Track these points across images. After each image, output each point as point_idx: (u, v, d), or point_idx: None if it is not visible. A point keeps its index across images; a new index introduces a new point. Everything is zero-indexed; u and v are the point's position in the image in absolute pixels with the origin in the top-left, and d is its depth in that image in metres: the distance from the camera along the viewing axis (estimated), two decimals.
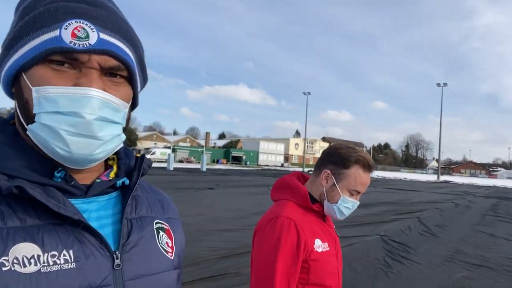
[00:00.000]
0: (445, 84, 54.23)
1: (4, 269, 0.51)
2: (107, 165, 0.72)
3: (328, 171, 1.42)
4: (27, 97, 0.58)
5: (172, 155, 37.49)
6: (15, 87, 0.62)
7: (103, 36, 0.58)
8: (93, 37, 0.57)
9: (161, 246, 0.71)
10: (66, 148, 0.57)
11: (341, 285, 1.48)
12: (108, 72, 0.60)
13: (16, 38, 0.59)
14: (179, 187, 15.73)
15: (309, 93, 64.18)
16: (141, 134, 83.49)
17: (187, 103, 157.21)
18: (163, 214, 0.77)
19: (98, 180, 0.67)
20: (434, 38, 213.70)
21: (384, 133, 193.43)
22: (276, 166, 76.73)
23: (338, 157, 1.41)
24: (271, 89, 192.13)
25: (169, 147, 64.04)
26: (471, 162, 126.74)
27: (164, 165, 37.20)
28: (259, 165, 74.00)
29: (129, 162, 0.73)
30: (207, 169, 38.93)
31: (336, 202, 1.40)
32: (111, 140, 0.61)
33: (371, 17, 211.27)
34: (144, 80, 0.71)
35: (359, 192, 1.42)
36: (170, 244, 0.73)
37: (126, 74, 0.63)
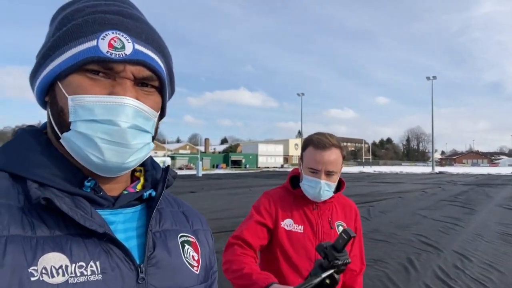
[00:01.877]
0: (434, 77, 55.34)
1: (32, 279, 0.51)
2: (133, 177, 0.74)
3: (299, 156, 1.65)
4: (62, 105, 0.60)
5: (168, 163, 38.70)
6: (49, 96, 0.63)
7: (137, 47, 0.60)
8: (129, 48, 0.59)
9: (186, 260, 0.71)
10: (101, 156, 0.58)
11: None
12: (140, 82, 0.62)
13: (53, 47, 0.61)
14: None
15: (303, 94, 65.61)
16: None
17: (189, 110, 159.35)
18: (188, 227, 0.78)
19: (126, 192, 0.67)
20: (434, 30, 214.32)
21: (387, 128, 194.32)
22: (276, 167, 77.86)
23: (303, 144, 1.64)
24: (272, 91, 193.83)
25: (168, 156, 65.46)
26: (474, 151, 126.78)
27: None
28: (259, 167, 75.15)
29: (156, 174, 0.74)
30: (203, 174, 40.16)
31: (302, 182, 1.57)
32: (142, 148, 0.63)
33: (369, 12, 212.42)
34: (172, 90, 0.74)
35: (316, 170, 1.51)
36: (196, 258, 0.74)
37: (157, 84, 0.65)
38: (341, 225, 1.63)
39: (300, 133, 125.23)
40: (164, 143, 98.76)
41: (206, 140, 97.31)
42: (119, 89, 0.59)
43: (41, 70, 0.63)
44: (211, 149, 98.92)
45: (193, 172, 47.52)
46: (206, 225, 0.83)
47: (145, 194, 0.69)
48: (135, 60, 0.60)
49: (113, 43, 0.59)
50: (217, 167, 69.69)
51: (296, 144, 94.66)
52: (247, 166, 74.13)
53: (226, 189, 19.11)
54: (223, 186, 21.46)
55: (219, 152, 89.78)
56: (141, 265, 0.62)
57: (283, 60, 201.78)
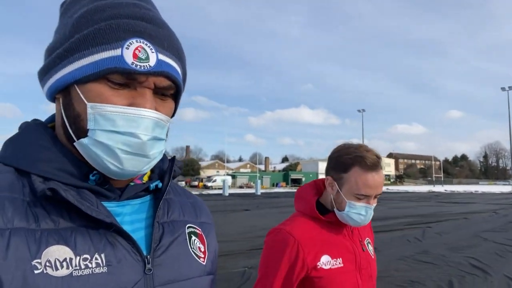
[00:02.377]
0: (510, 88, 50.78)
1: (36, 272, 0.51)
2: None
3: (330, 178, 1.33)
4: (79, 111, 0.59)
5: (227, 181, 39.81)
6: (62, 95, 0.63)
7: (161, 57, 0.60)
8: (153, 59, 0.59)
9: (193, 251, 0.70)
10: (120, 166, 0.59)
11: None
12: (159, 91, 0.63)
13: (71, 50, 0.60)
14: (219, 209, 17.61)
15: (363, 110, 63.81)
16: (203, 163, 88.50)
17: (251, 130, 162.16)
18: (196, 218, 0.78)
19: (132, 184, 0.67)
20: (509, 37, 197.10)
21: (461, 144, 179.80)
22: None
23: (336, 161, 1.33)
24: (334, 108, 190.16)
25: (229, 174, 67.24)
26: None
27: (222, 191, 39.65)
28: None
29: (162, 165, 0.74)
30: (262, 193, 40.64)
31: (344, 210, 1.30)
32: (157, 157, 0.64)
33: (437, 23, 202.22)
34: (184, 90, 0.74)
35: (367, 196, 1.28)
36: (202, 249, 0.73)
37: (174, 91, 0.65)
38: (369, 243, 1.47)
39: None
40: (227, 162, 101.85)
41: (266, 159, 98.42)
42: (140, 100, 0.59)
43: (56, 70, 0.62)
44: (271, 168, 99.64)
45: (252, 190, 48.29)
46: (211, 219, 0.84)
47: (151, 185, 0.70)
48: (159, 71, 0.60)
49: (137, 53, 0.58)
50: (277, 185, 69.88)
51: None
52: None
53: (280, 208, 19.24)
54: (278, 205, 21.61)
55: (279, 171, 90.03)
56: (148, 256, 0.62)
57: (344, 77, 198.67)
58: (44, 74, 0.65)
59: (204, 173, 75.73)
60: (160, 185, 0.71)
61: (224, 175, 63.48)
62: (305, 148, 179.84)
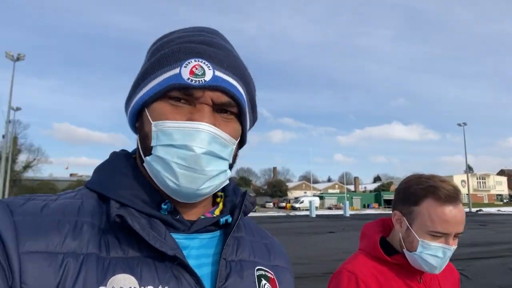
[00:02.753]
0: None
1: None
2: (215, 202, 0.74)
3: (398, 213, 1.18)
4: (147, 130, 0.63)
5: (314, 202, 39.25)
6: (138, 122, 0.68)
7: (218, 73, 0.62)
8: (209, 75, 0.61)
9: None
10: (176, 181, 0.60)
11: None
12: (219, 109, 0.64)
13: (142, 77, 0.66)
14: (304, 231, 17.43)
15: (464, 123, 57.84)
16: (291, 184, 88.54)
17: (339, 149, 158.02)
18: (269, 260, 0.74)
19: (203, 217, 0.68)
20: None
21: None
22: None
23: (405, 192, 1.18)
24: (431, 122, 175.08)
25: (317, 195, 66.19)
26: None
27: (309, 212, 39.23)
28: None
29: (234, 199, 0.74)
30: (351, 214, 39.08)
31: (416, 250, 1.12)
32: (217, 176, 0.63)
33: None
34: (254, 118, 0.75)
35: (445, 234, 1.09)
36: None
37: (236, 110, 0.65)
38: None
39: (470, 168, 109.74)
40: (315, 182, 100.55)
41: (356, 178, 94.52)
42: (197, 115, 0.61)
43: (132, 98, 0.68)
44: (361, 188, 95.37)
45: (341, 212, 46.74)
46: (288, 263, 0.80)
47: (221, 219, 0.69)
48: (214, 86, 0.61)
49: (194, 70, 0.61)
50: (368, 206, 66.53)
51: (463, 181, 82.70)
52: None
53: None
54: None
55: (370, 191, 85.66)
56: None
57: (442, 88, 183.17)
58: (126, 105, 0.71)
59: (291, 194, 75.79)
60: (229, 220, 0.70)
61: (311, 195, 62.78)
62: (400, 166, 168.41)
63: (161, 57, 0.65)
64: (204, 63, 0.62)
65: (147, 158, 0.62)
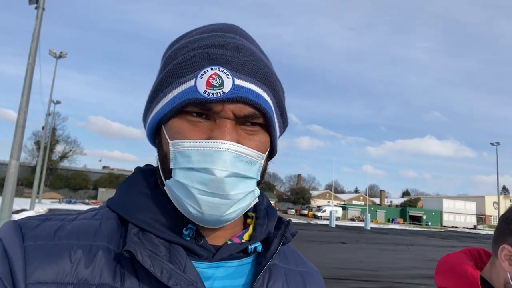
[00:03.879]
0: None
1: None
2: (245, 223, 0.67)
3: (508, 247, 0.94)
4: (166, 150, 0.58)
5: (334, 213, 39.07)
6: (157, 139, 0.62)
7: (238, 82, 0.55)
8: (228, 85, 0.54)
9: None
10: (198, 208, 0.54)
11: None
12: (243, 121, 0.57)
13: (157, 90, 0.60)
14: (315, 240, 17.67)
15: (498, 143, 55.60)
16: (315, 192, 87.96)
17: (369, 160, 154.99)
18: None
19: (229, 242, 0.61)
20: None
21: None
22: (466, 227, 66.68)
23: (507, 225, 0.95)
24: (468, 139, 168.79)
25: (340, 205, 65.52)
26: None
27: (335, 222, 39.08)
28: (444, 226, 66.03)
29: (268, 225, 0.65)
30: (372, 227, 38.63)
31: None
32: (243, 198, 0.57)
33: None
34: (284, 125, 0.67)
35: None
36: None
37: (263, 121, 0.58)
38: None
39: (505, 190, 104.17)
40: (340, 193, 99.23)
41: (382, 192, 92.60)
42: (218, 132, 0.54)
43: (149, 114, 0.63)
44: (387, 202, 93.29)
45: (363, 224, 46.19)
46: None
47: (250, 247, 0.61)
48: (234, 97, 0.54)
49: (211, 81, 0.54)
50: (393, 221, 65.08)
51: (495, 202, 79.15)
52: (429, 223, 66.22)
53: (380, 244, 18.28)
54: (381, 241, 20.48)
55: (396, 206, 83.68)
56: None
57: (481, 104, 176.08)
58: (144, 120, 0.66)
59: (314, 203, 75.35)
60: (259, 248, 0.63)
61: (334, 205, 62.26)
62: (431, 182, 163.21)
63: (175, 67, 0.58)
64: (222, 71, 0.55)
65: (167, 182, 0.57)
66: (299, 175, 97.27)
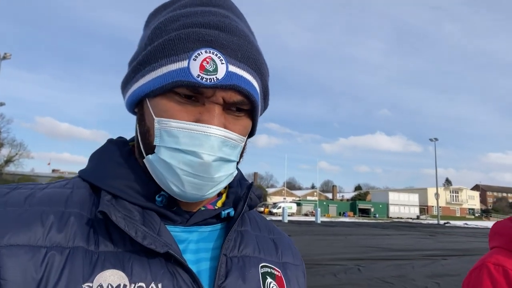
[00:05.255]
0: None
1: None
2: (219, 193, 0.68)
3: None
4: (149, 125, 0.58)
5: (287, 209, 40.92)
6: (138, 109, 0.62)
7: (231, 68, 0.55)
8: (221, 71, 0.54)
9: None
10: (181, 187, 0.55)
11: None
12: (231, 107, 0.58)
13: (144, 62, 0.59)
14: None
15: (436, 139, 60.57)
16: (271, 190, 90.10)
17: (323, 157, 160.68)
18: (276, 257, 0.69)
19: (203, 208, 0.63)
20: None
21: None
22: (410, 218, 71.79)
23: None
24: (414, 135, 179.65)
25: (295, 202, 67.98)
26: None
27: (288, 218, 40.76)
28: (390, 217, 70.53)
29: (239, 191, 0.68)
30: (322, 221, 40.87)
31: None
32: (224, 180, 0.59)
33: None
34: (265, 106, 0.68)
35: None
36: None
37: (249, 107, 0.59)
38: None
39: (448, 182, 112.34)
40: (297, 189, 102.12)
41: (334, 187, 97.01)
42: (207, 116, 0.55)
43: (131, 84, 0.62)
44: (339, 197, 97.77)
45: (313, 218, 48.57)
46: (299, 260, 0.75)
47: (223, 212, 0.64)
48: (227, 85, 0.55)
49: (205, 64, 0.54)
50: (343, 215, 68.55)
51: (436, 194, 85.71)
52: (376, 215, 70.48)
53: (322, 235, 19.99)
54: (322, 232, 22.27)
55: (347, 200, 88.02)
56: None
57: (426, 101, 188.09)
58: (123, 86, 0.65)
59: (270, 200, 77.26)
60: (232, 213, 0.65)
61: (289, 202, 64.49)
62: (383, 176, 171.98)
63: (166, 43, 0.57)
64: (216, 55, 0.55)
65: (150, 157, 0.57)
66: (255, 173, 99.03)
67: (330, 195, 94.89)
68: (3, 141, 58.63)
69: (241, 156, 0.64)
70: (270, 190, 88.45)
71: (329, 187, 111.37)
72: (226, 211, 0.64)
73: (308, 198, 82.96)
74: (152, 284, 0.51)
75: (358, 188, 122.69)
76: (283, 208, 40.33)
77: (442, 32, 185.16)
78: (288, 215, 48.57)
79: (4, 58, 30.14)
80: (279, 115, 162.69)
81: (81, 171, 0.62)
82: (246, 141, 0.64)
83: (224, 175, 0.58)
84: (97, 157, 0.63)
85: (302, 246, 13.93)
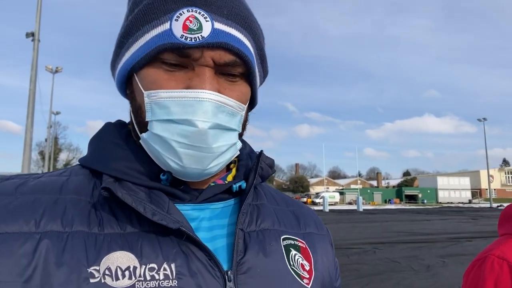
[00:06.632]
0: None
1: (92, 281, 0.45)
2: (228, 167, 0.65)
3: None
4: (140, 102, 0.55)
5: (328, 198, 41.15)
6: (128, 89, 0.59)
7: (217, 25, 0.51)
8: (207, 29, 0.50)
9: (292, 268, 0.58)
10: (179, 162, 0.52)
11: None
12: (223, 70, 0.54)
13: (126, 34, 0.56)
14: None
15: (484, 119, 57.34)
16: (313, 180, 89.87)
17: (369, 143, 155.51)
18: (298, 228, 0.65)
19: (213, 184, 0.60)
20: None
21: None
22: (462, 202, 68.73)
23: None
24: (467, 114, 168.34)
25: (337, 191, 67.66)
26: None
27: (330, 207, 41.02)
28: (440, 203, 68.02)
29: (249, 164, 0.65)
30: (365, 209, 40.70)
31: None
32: (226, 151, 0.55)
33: None
34: (265, 73, 0.65)
35: None
36: (307, 268, 0.60)
37: (244, 69, 0.55)
38: None
39: (506, 162, 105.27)
40: (342, 178, 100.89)
41: (378, 174, 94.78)
42: (197, 81, 0.51)
43: (118, 61, 0.59)
44: (384, 183, 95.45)
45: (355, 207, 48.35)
46: (324, 229, 0.72)
47: (234, 186, 0.60)
48: (215, 43, 0.51)
49: (188, 24, 0.50)
50: (389, 202, 67.21)
51: (492, 176, 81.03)
52: (425, 201, 68.31)
53: (359, 222, 20.32)
54: (363, 220, 22.50)
55: (393, 186, 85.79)
56: (229, 272, 0.52)
57: (480, 79, 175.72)
58: (112, 68, 0.62)
59: (313, 190, 77.39)
60: (243, 185, 0.61)
61: (332, 191, 64.34)
62: (434, 160, 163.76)
63: (146, 8, 0.53)
64: (199, 13, 0.51)
65: (144, 135, 0.54)
66: (297, 164, 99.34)
67: (375, 183, 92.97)
68: (61, 146, 64.18)
69: (243, 128, 0.61)
70: (312, 181, 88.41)
71: (375, 174, 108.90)
72: (238, 184, 0.61)
73: (352, 186, 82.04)
74: (165, 265, 0.48)
75: (406, 174, 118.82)
76: (324, 197, 40.62)
77: (492, 4, 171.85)
78: (331, 205, 48.70)
79: (56, 71, 33.06)
80: (320, 104, 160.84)
81: (80, 158, 0.60)
82: (247, 111, 0.61)
83: (225, 145, 0.54)
84: (96, 141, 0.60)
85: (332, 232, 14.50)
